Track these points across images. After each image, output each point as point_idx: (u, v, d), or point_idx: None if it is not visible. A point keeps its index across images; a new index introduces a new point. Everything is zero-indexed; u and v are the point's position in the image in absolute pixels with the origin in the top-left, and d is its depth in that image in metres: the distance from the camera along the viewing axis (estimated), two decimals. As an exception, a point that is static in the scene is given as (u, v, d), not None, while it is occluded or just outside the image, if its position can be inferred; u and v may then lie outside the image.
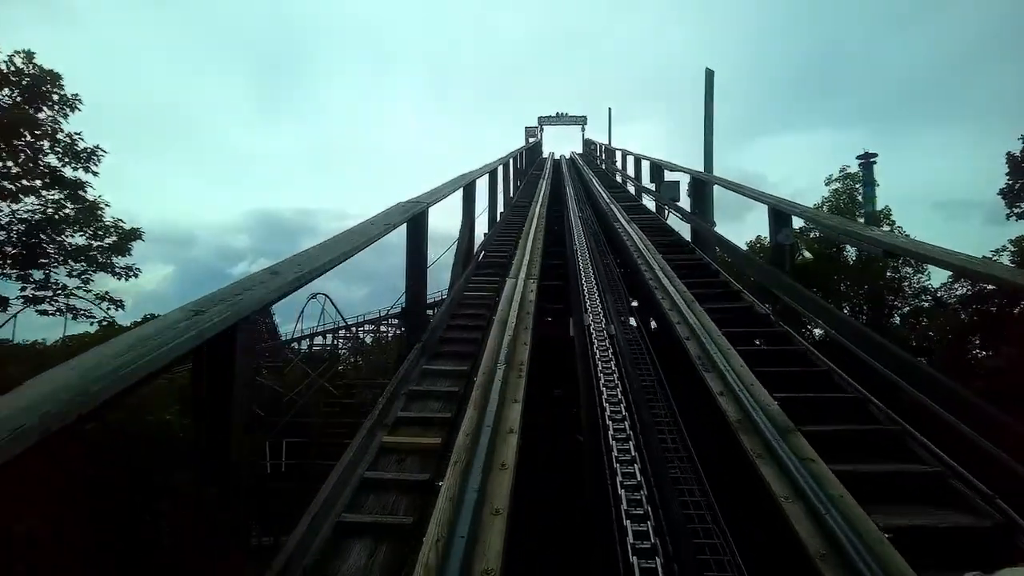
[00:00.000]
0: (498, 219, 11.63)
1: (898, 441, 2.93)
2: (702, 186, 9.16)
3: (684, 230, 9.61)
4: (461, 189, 7.51)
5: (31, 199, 10.16)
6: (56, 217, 10.15)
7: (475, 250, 8.20)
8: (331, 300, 31.90)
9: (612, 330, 4.36)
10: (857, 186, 24.17)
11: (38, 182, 10.08)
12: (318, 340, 30.54)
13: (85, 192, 10.49)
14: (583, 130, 36.65)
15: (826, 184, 23.25)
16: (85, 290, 10.21)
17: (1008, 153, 18.57)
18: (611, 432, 2.55)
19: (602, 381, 3.11)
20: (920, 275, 19.41)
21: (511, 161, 14.94)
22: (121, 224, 10.72)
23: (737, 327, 4.46)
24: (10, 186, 9.74)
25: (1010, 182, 18.74)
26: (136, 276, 10.60)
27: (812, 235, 17.17)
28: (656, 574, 1.90)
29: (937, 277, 19.04)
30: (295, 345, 30.29)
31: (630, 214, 10.32)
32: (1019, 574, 1.12)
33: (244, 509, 2.23)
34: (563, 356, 5.69)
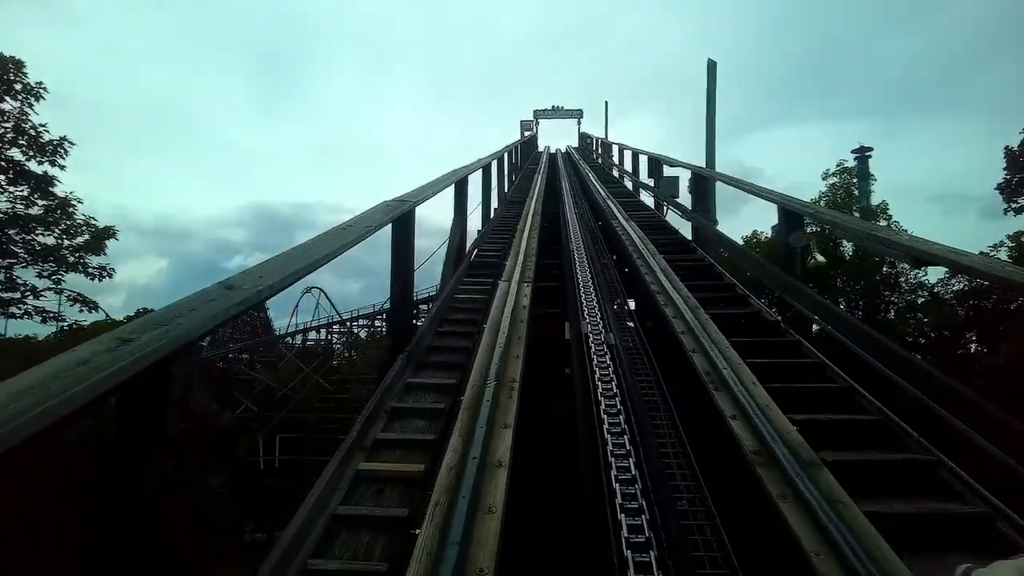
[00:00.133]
0: (492, 215, 11.30)
1: (932, 471, 2.65)
2: (704, 182, 8.83)
3: (683, 227, 9.32)
4: (453, 186, 7.16)
5: None
6: (22, 214, 9.64)
7: (467, 249, 7.88)
8: (326, 294, 31.57)
9: (611, 339, 4.06)
10: (854, 180, 23.94)
11: (1, 177, 9.59)
12: (312, 335, 30.24)
13: (53, 187, 10.00)
14: (579, 124, 36.33)
15: (823, 179, 23.06)
16: (56, 291, 9.73)
17: (1006, 148, 18.40)
18: (614, 474, 2.24)
19: (603, 410, 2.80)
20: (917, 271, 19.22)
21: (506, 156, 14.57)
22: (94, 222, 10.27)
23: (745, 336, 4.17)
24: None
25: (1008, 177, 18.58)
26: (110, 276, 10.14)
27: (810, 228, 16.91)
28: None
29: (935, 272, 18.88)
30: (289, 340, 29.96)
31: (628, 211, 10.01)
32: (1012, 566, 1.10)
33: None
34: (559, 360, 5.41)
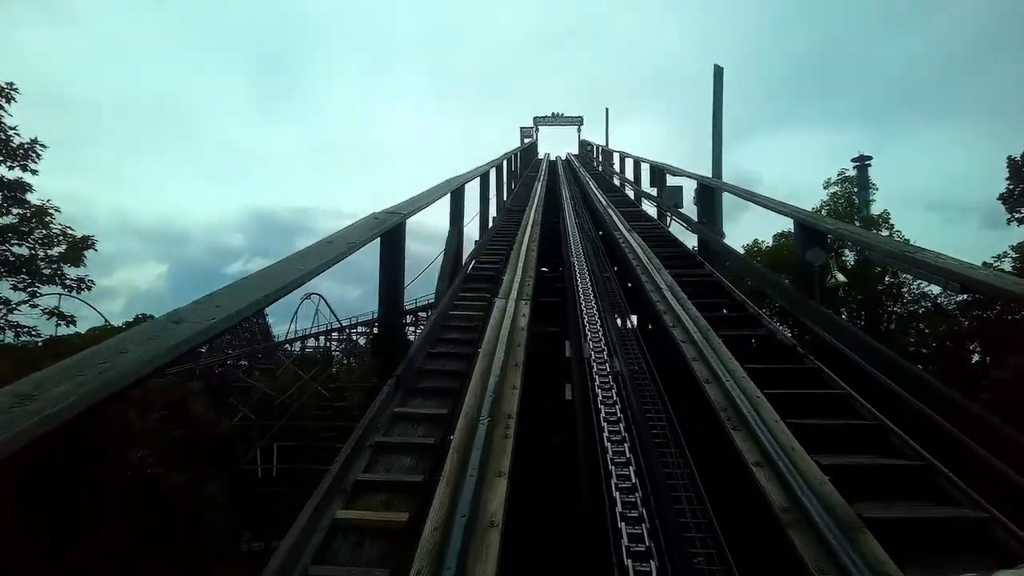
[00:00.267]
0: (491, 224, 11.00)
1: (985, 530, 2.33)
2: (711, 193, 8.53)
3: (687, 237, 9.01)
4: (448, 195, 6.88)
5: None
6: None
7: (464, 260, 7.57)
8: (325, 301, 31.20)
9: (616, 365, 3.75)
10: (855, 190, 23.70)
11: None
12: (311, 341, 29.84)
13: (26, 195, 9.47)
14: (579, 131, 36.12)
15: (824, 188, 22.78)
16: (31, 304, 9.31)
17: (1009, 158, 18.09)
18: (624, 542, 1.93)
19: (609, 454, 2.48)
20: (920, 281, 18.91)
21: (505, 163, 14.31)
22: (71, 232, 9.81)
23: (759, 362, 3.86)
24: None
25: (1010, 186, 18.27)
26: (88, 289, 9.71)
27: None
28: None
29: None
30: (288, 347, 29.58)
31: (630, 221, 9.72)
32: (1014, 575, 1.14)
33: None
34: (559, 377, 5.09)
